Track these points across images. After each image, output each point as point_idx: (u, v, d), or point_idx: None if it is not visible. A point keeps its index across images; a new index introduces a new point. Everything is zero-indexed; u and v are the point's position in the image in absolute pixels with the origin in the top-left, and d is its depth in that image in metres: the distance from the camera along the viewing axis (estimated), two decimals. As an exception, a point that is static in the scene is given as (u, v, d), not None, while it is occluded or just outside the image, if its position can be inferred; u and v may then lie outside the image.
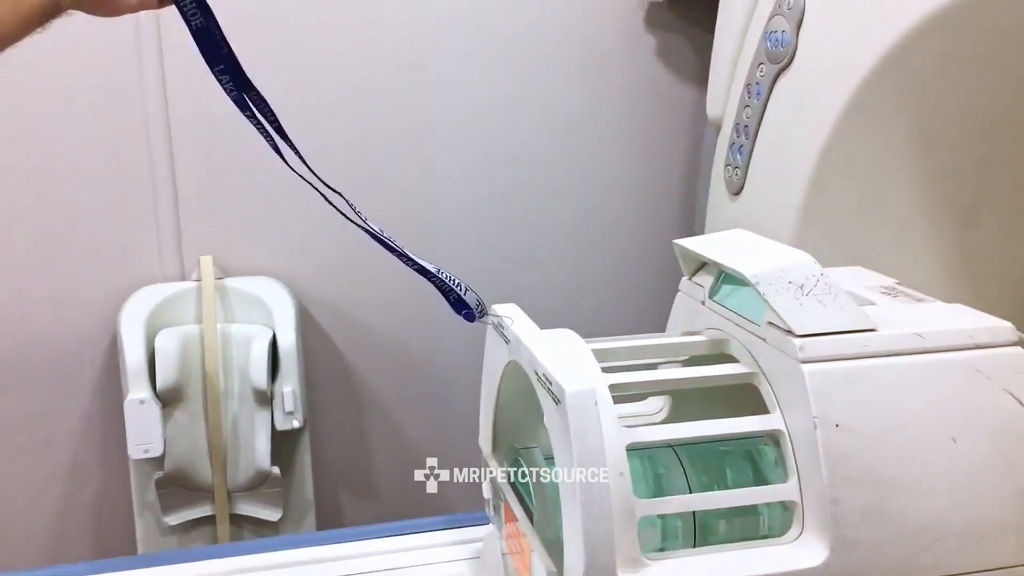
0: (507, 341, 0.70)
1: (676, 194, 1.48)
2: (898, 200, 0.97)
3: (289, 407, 1.25)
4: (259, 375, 1.24)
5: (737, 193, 1.14)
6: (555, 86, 1.40)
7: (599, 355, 0.67)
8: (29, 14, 0.58)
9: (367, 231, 0.67)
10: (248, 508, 1.30)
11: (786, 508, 0.65)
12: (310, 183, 0.67)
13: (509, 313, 0.71)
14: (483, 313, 0.68)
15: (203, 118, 1.29)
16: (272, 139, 0.65)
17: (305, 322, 1.38)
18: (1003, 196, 0.93)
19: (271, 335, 1.26)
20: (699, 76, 1.40)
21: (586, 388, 0.57)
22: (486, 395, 0.77)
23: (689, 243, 0.73)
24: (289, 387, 1.25)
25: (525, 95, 1.40)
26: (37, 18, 0.59)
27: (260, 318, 1.29)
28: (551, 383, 0.59)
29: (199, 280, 1.30)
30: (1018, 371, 0.61)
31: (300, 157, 0.67)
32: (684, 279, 0.77)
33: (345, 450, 1.46)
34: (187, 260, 1.33)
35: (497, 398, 0.75)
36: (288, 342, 1.26)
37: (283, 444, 1.31)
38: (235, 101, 0.64)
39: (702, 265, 0.76)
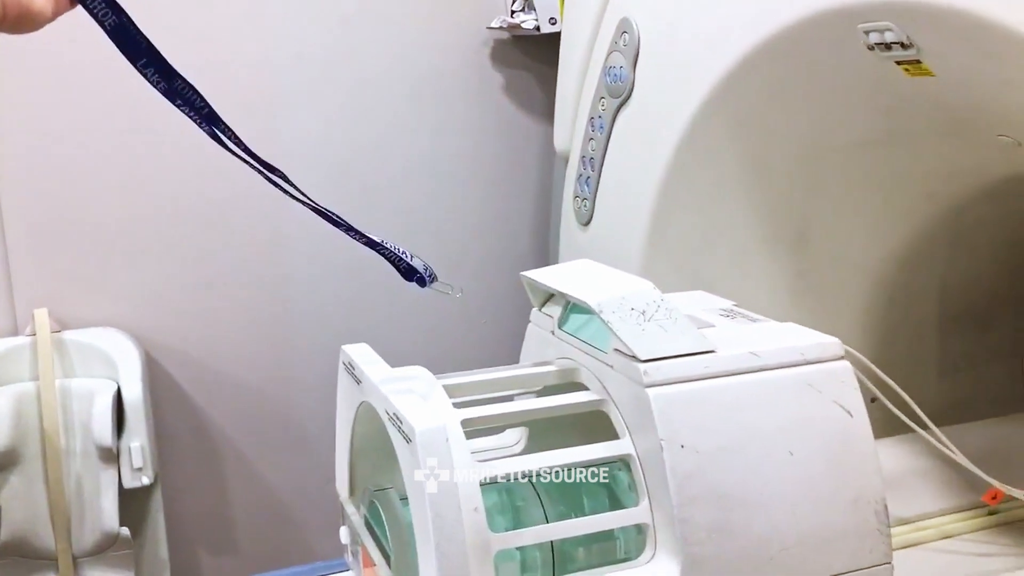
0: (358, 381, 0.69)
1: (529, 226, 1.51)
2: (735, 226, 1.01)
3: (137, 463, 1.18)
4: (103, 431, 1.17)
5: (586, 224, 1.17)
6: (405, 123, 1.41)
7: (451, 390, 0.67)
8: None
9: (313, 208, 0.68)
10: (96, 573, 1.22)
11: (641, 531, 0.66)
12: (250, 164, 0.67)
13: (359, 353, 0.70)
14: (433, 278, 0.69)
15: (32, 162, 1.23)
16: (207, 126, 0.63)
17: (154, 373, 1.32)
18: (829, 219, 0.99)
19: (115, 388, 1.20)
20: (547, 110, 1.43)
21: (436, 425, 0.56)
22: (341, 437, 0.75)
23: (535, 275, 0.74)
24: (137, 442, 1.19)
25: (374, 133, 1.39)
26: None
27: (103, 371, 1.23)
28: (401, 422, 0.58)
29: (33, 334, 1.22)
30: (845, 383, 0.65)
31: (238, 140, 0.65)
32: (534, 310, 0.78)
33: (202, 504, 1.40)
34: (20, 313, 1.25)
35: (352, 440, 0.73)
36: (134, 395, 1.20)
37: (133, 503, 1.24)
38: (164, 94, 0.62)
39: (552, 295, 0.77)
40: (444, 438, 0.56)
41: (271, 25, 1.31)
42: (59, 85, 1.22)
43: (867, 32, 0.74)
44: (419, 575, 0.58)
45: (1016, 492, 0.80)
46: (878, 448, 0.96)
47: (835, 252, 1.01)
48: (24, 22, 0.57)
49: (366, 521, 0.70)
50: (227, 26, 1.29)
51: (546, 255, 1.50)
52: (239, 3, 1.29)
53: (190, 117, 0.63)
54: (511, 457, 0.63)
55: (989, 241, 1.03)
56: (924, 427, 0.83)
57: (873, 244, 1.01)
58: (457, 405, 0.65)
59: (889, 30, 0.72)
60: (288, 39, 1.32)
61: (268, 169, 0.67)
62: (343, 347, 0.72)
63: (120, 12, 0.60)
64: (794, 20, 0.79)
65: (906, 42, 0.72)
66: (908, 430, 0.82)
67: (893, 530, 0.89)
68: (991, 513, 0.91)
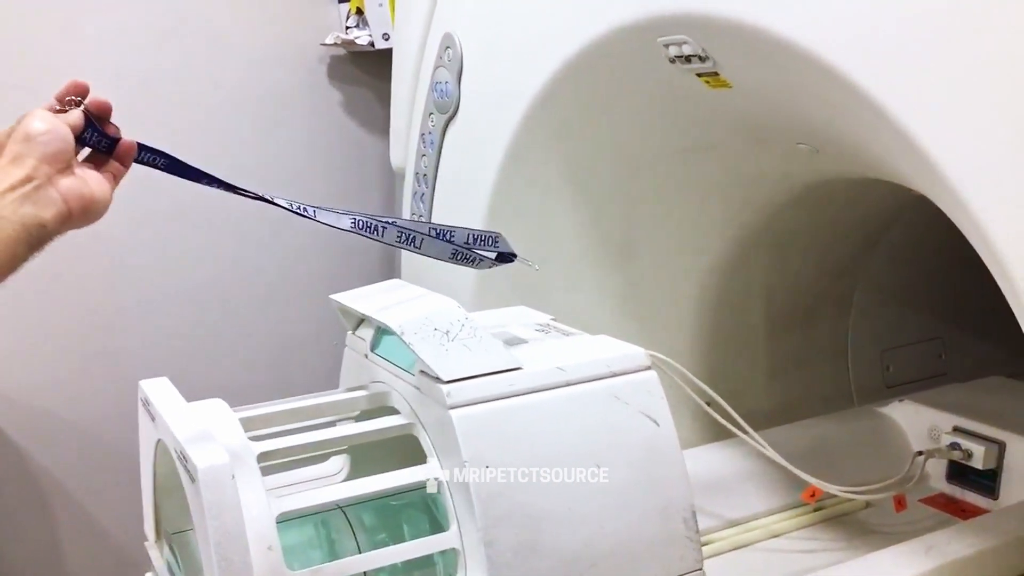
0: (153, 418, 0.65)
1: (375, 245, 1.48)
2: (565, 239, 1.02)
3: (-52, 515, 1.10)
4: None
5: (424, 241, 1.15)
6: (242, 143, 1.36)
7: (251, 423, 0.64)
8: (12, 240, 0.53)
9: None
10: (-93, 638, 1.13)
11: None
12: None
13: (155, 388, 0.66)
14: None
15: None
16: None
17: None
18: (652, 228, 1.00)
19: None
20: (386, 126, 1.41)
21: (220, 463, 0.53)
22: (145, 478, 0.71)
23: (343, 298, 0.72)
24: (-53, 493, 1.10)
25: (211, 152, 1.34)
26: (23, 244, 0.54)
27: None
28: (187, 460, 0.55)
29: None
30: (652, 393, 0.65)
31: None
32: (349, 333, 0.76)
33: (34, 551, 1.31)
34: None
35: (155, 480, 0.69)
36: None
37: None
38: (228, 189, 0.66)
39: (364, 318, 0.75)
40: (229, 475, 0.53)
41: (89, 44, 1.24)
42: None
43: (667, 45, 0.75)
44: (211, 622, 0.54)
45: (832, 488, 0.83)
46: (709, 453, 0.99)
47: (661, 261, 1.02)
48: (90, 213, 0.59)
49: (169, 566, 0.67)
50: (41, 43, 1.22)
51: (393, 273, 1.48)
52: (54, 19, 1.22)
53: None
54: (314, 489, 0.60)
55: (805, 244, 1.06)
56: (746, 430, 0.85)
57: (697, 252, 1.02)
58: (257, 438, 0.63)
59: (686, 43, 0.73)
60: (107, 58, 1.26)
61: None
62: (140, 383, 0.68)
63: (166, 155, 0.64)
64: (600, 34, 0.80)
65: (702, 54, 0.73)
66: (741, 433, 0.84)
67: (724, 532, 0.91)
68: (816, 509, 0.93)
